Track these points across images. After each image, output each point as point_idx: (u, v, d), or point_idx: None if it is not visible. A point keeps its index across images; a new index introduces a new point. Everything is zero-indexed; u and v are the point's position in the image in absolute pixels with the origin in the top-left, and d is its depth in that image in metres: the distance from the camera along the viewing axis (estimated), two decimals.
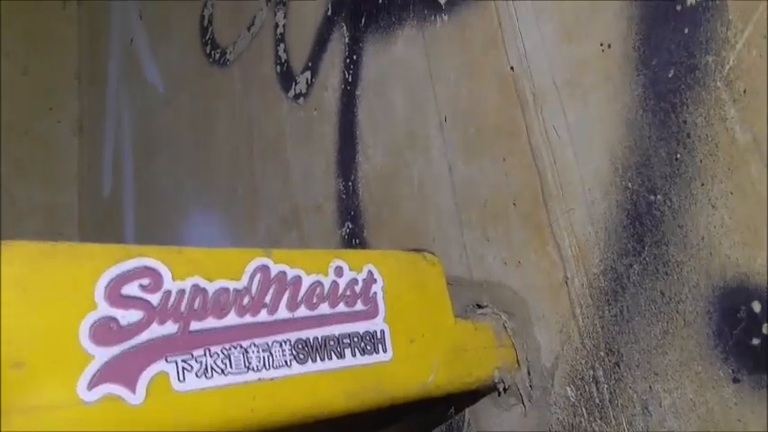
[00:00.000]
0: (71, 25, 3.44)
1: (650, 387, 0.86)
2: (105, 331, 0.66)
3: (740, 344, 0.77)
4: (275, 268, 0.81)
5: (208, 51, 2.17)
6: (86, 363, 0.64)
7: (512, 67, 1.08)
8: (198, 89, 2.25)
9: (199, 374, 0.71)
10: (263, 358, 0.76)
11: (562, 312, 0.98)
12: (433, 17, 1.24)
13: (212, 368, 0.72)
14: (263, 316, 0.78)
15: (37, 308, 0.64)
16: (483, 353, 1.01)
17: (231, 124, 2.00)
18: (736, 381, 0.77)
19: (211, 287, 0.75)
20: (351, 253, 0.95)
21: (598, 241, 0.93)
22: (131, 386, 0.66)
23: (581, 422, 0.94)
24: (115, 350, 0.66)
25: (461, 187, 1.17)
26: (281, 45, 1.74)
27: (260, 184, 1.82)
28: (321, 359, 0.81)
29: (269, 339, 0.77)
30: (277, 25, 1.77)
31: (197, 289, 0.73)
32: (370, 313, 0.88)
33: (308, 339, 0.81)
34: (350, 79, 1.47)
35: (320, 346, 0.81)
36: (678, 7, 0.84)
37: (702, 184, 0.81)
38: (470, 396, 1.06)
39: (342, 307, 0.85)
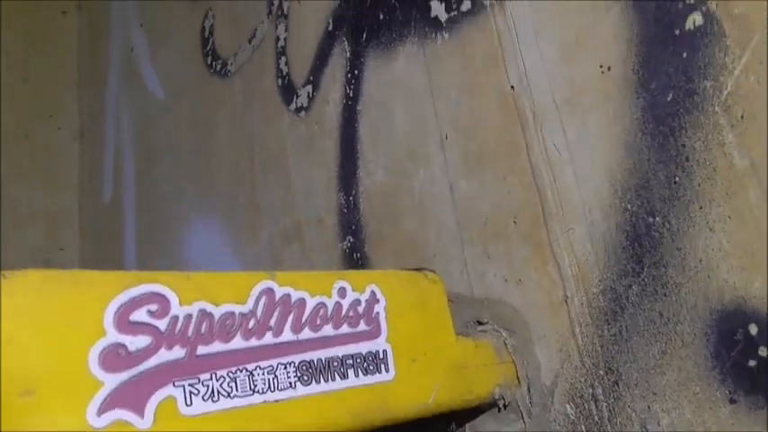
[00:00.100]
0: (71, 32, 3.45)
1: (649, 406, 0.87)
2: (114, 357, 0.67)
3: (737, 365, 0.78)
4: (280, 291, 0.82)
5: (209, 62, 2.18)
6: (96, 389, 0.65)
7: (512, 86, 1.09)
8: (199, 97, 2.25)
9: (205, 398, 0.72)
10: (269, 381, 0.77)
11: (562, 331, 0.99)
12: (433, 34, 1.25)
13: (218, 392, 0.73)
14: (268, 339, 0.79)
15: (45, 335, 0.65)
16: (484, 370, 1.02)
17: (232, 134, 2.01)
18: (732, 402, 0.78)
19: (217, 311, 0.76)
20: (354, 274, 0.97)
21: (598, 261, 0.94)
22: (140, 411, 0.67)
23: None
24: (124, 376, 0.67)
25: (462, 204, 1.18)
26: (283, 58, 1.75)
27: (261, 196, 1.83)
28: (325, 380, 0.82)
29: (274, 362, 0.78)
30: (278, 38, 1.77)
31: (204, 313, 0.75)
32: (373, 333, 0.90)
33: (312, 361, 0.82)
34: (351, 94, 1.47)
35: (324, 368, 0.83)
36: (677, 31, 0.85)
37: (701, 208, 0.82)
38: (471, 412, 1.07)
39: (345, 328, 0.87)
